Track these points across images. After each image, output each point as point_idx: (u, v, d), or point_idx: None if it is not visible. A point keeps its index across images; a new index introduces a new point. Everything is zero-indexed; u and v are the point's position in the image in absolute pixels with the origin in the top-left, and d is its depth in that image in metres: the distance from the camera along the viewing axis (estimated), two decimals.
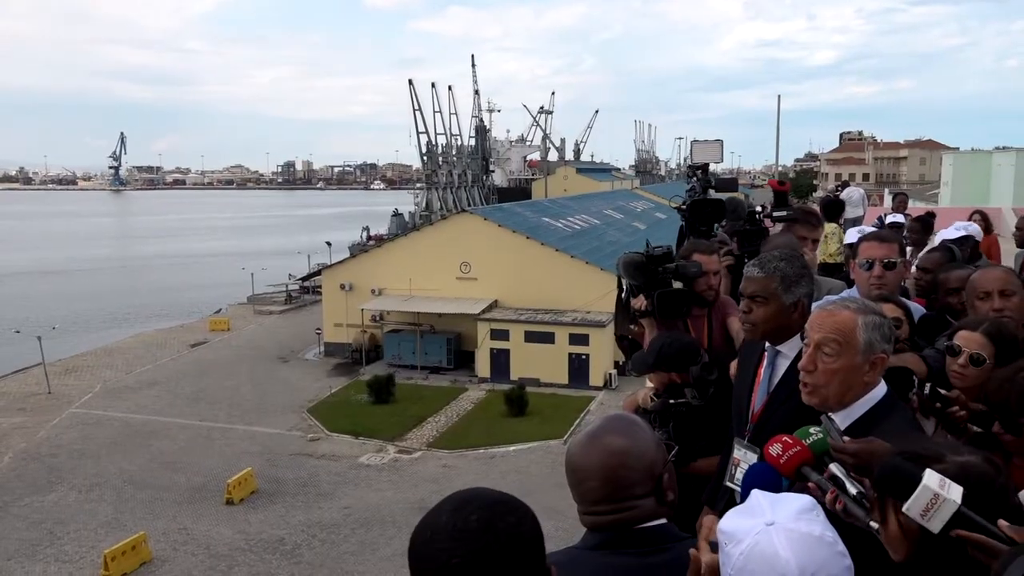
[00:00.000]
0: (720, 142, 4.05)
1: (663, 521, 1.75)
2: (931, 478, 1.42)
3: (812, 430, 1.87)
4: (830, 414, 2.10)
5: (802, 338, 2.38)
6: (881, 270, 3.59)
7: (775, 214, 4.41)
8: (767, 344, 2.71)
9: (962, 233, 5.78)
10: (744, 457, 2.60)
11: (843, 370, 2.10)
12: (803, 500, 1.51)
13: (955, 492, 1.41)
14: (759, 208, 4.71)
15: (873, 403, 2.13)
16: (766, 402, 2.67)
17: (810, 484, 1.77)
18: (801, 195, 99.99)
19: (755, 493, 1.57)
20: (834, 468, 1.78)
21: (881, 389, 2.15)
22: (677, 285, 3.36)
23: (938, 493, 1.40)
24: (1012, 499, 1.59)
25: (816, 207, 8.59)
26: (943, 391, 2.47)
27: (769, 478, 1.88)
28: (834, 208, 8.68)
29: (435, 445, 30.42)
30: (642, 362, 3.27)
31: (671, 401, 3.15)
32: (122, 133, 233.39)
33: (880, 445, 1.85)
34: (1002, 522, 1.45)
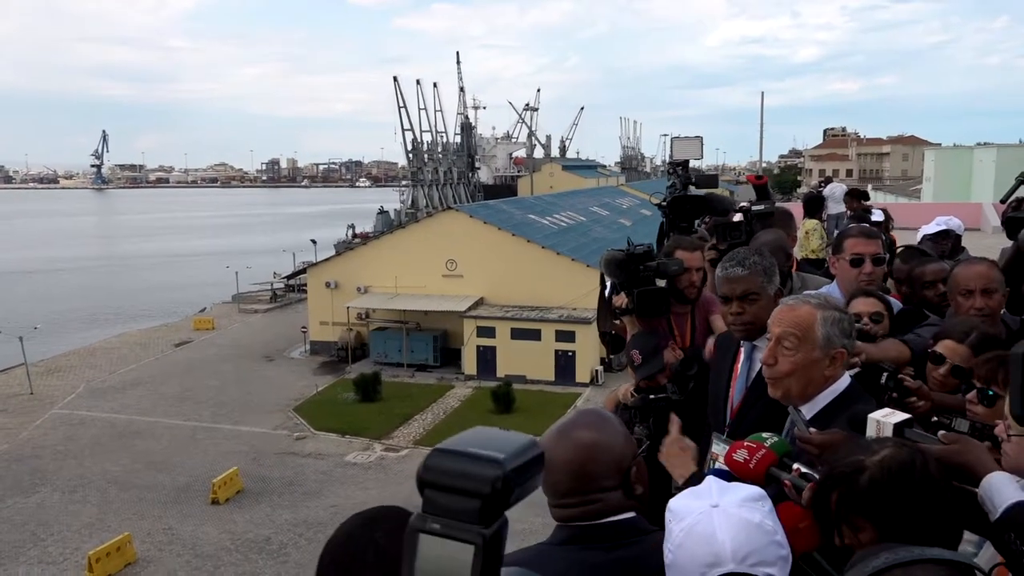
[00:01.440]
0: (700, 138, 4.07)
1: (632, 514, 1.76)
2: (874, 415, 1.89)
3: (765, 435, 1.91)
4: (794, 408, 2.14)
5: None
6: (871, 266, 3.62)
7: (754, 208, 4.43)
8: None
9: (942, 227, 5.81)
10: (722, 452, 2.60)
11: (802, 363, 2.14)
12: (752, 490, 1.59)
13: (894, 419, 1.85)
14: (744, 204, 4.72)
15: (836, 395, 2.17)
16: (744, 396, 2.71)
17: (786, 483, 1.79)
18: (785, 191, 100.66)
19: (709, 478, 1.62)
20: (798, 466, 1.81)
21: (844, 381, 2.20)
22: (661, 283, 3.38)
23: (880, 421, 1.84)
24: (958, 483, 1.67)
25: (799, 203, 8.65)
26: (907, 380, 2.48)
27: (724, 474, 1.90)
28: (815, 204, 8.75)
29: (422, 443, 30.39)
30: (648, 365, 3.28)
31: (651, 396, 3.17)
32: (104, 131, 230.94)
33: (845, 437, 1.89)
34: (942, 432, 1.86)
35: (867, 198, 9.73)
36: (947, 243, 5.62)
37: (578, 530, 1.74)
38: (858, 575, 1.23)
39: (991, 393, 2.29)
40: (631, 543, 1.70)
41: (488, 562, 0.99)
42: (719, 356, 2.92)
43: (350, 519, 1.40)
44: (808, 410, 2.19)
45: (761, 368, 2.62)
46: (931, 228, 5.88)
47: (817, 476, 1.76)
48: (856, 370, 2.42)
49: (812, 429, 2.01)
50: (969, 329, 2.82)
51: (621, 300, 3.34)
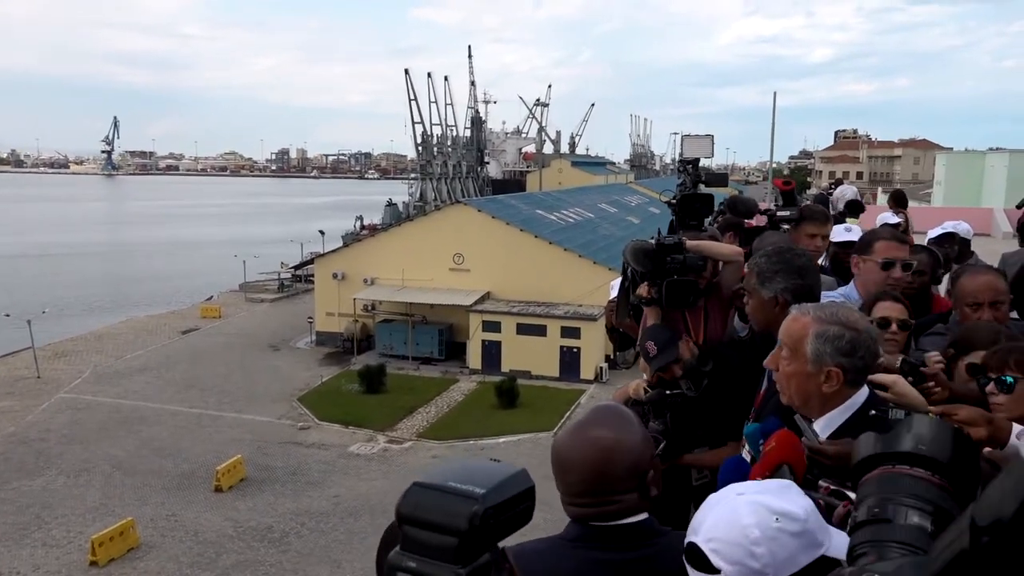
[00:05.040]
0: (711, 137, 4.05)
1: (645, 516, 1.75)
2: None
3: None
4: (802, 416, 2.11)
5: None
6: (901, 272, 3.59)
7: (779, 214, 4.43)
8: None
9: (947, 230, 5.77)
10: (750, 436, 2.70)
11: (795, 376, 2.10)
12: (780, 480, 1.60)
13: None
14: (772, 207, 4.73)
15: (852, 411, 2.10)
16: (767, 385, 2.77)
17: (819, 503, 1.78)
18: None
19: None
20: (826, 483, 1.80)
21: (860, 396, 2.12)
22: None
23: None
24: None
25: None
26: (923, 368, 2.47)
27: (742, 471, 1.91)
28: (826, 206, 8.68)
29: (425, 435, 30.47)
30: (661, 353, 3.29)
31: (667, 392, 3.17)
32: (115, 117, 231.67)
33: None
34: (988, 450, 1.80)
35: (905, 204, 9.70)
36: (952, 247, 5.57)
37: (592, 530, 1.73)
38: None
39: (1009, 380, 2.30)
40: (644, 545, 1.70)
41: None
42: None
43: None
44: (823, 427, 2.12)
45: None
46: (935, 231, 5.86)
47: (848, 493, 1.73)
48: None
49: (823, 439, 1.98)
50: (993, 336, 2.78)
51: (644, 290, 3.36)
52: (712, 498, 1.50)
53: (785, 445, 1.84)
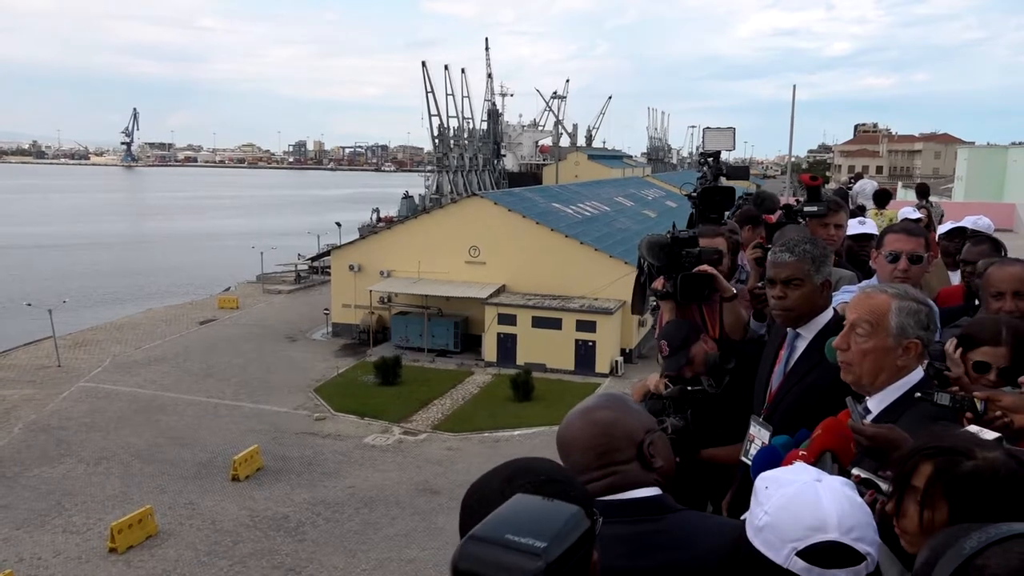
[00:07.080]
0: (732, 130, 4.02)
1: (657, 491, 1.77)
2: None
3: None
4: (852, 399, 2.14)
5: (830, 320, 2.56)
6: (907, 264, 3.58)
7: (806, 209, 4.41)
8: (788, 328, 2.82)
9: (958, 225, 5.67)
10: (758, 433, 2.73)
11: (874, 351, 2.16)
12: (845, 479, 1.60)
13: (983, 436, 1.67)
14: (794, 201, 4.70)
15: (907, 388, 2.17)
16: (782, 382, 2.78)
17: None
18: None
19: (799, 465, 1.67)
20: (858, 471, 1.81)
21: (917, 375, 2.19)
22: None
23: None
24: None
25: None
26: (946, 371, 2.46)
27: (776, 461, 1.90)
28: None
29: (440, 427, 30.56)
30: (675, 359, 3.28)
31: (688, 388, 3.16)
32: (135, 109, 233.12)
33: (898, 434, 1.87)
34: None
35: (926, 196, 9.68)
36: (962, 241, 5.47)
37: (601, 505, 1.74)
38: (954, 558, 1.16)
39: None
40: (655, 519, 1.72)
41: None
42: (769, 341, 3.01)
43: (491, 471, 1.40)
44: (878, 402, 2.19)
45: (800, 355, 2.72)
46: (945, 226, 5.79)
47: (876, 480, 1.74)
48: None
49: (866, 421, 2.01)
50: (997, 328, 2.75)
51: (660, 283, 3.36)
52: (796, 497, 1.48)
53: (831, 433, 1.87)
